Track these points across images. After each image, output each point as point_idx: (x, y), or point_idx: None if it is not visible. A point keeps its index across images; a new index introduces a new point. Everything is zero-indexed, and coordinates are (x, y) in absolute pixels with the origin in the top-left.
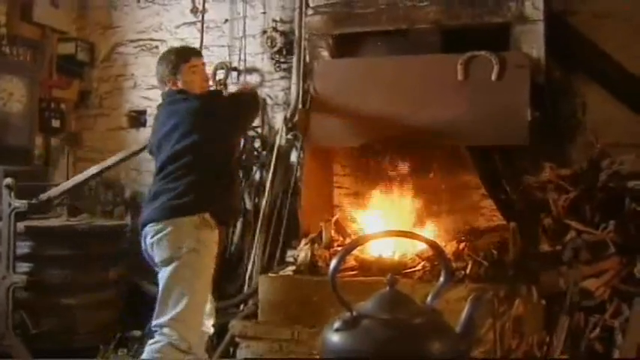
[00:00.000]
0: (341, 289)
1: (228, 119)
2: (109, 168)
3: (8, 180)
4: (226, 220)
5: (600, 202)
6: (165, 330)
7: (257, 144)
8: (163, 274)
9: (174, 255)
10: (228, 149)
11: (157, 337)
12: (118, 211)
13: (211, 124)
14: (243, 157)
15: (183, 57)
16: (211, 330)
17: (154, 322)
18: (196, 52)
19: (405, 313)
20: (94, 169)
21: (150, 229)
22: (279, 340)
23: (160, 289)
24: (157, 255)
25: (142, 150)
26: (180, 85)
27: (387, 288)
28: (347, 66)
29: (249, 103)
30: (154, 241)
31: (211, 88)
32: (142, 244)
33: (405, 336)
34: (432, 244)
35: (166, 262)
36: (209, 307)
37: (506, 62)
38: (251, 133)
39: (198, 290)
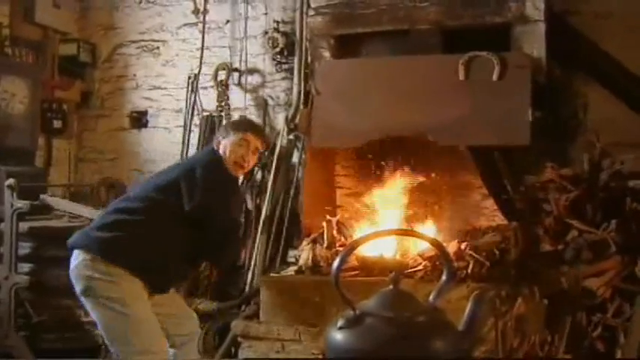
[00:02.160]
0: (343, 289)
1: (210, 209)
2: None
3: (10, 181)
4: (159, 288)
5: (601, 201)
6: None
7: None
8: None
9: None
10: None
11: None
12: None
13: (201, 189)
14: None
15: (242, 127)
16: (198, 332)
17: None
18: (259, 131)
19: (408, 311)
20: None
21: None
22: (281, 340)
23: None
24: None
25: None
26: (220, 149)
27: (391, 286)
28: (348, 67)
29: (234, 239)
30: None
31: (240, 178)
32: None
33: (409, 334)
34: (434, 243)
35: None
36: (188, 311)
37: (507, 62)
38: None
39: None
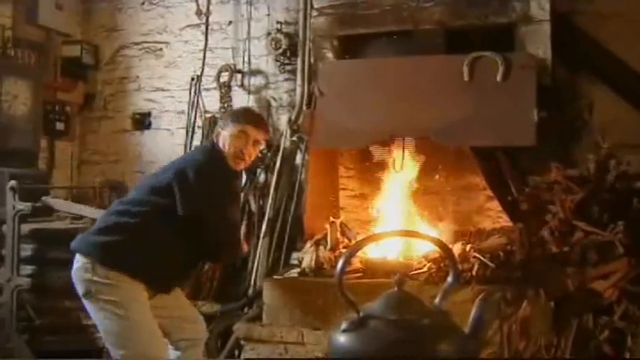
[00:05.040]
0: (347, 291)
1: (212, 216)
2: None
3: (12, 182)
4: (161, 289)
5: (608, 202)
6: None
7: (261, 146)
8: None
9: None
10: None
11: None
12: None
13: (193, 194)
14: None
15: (241, 119)
16: (206, 335)
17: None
18: (259, 123)
19: (413, 313)
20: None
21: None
22: (284, 343)
23: None
24: None
25: None
26: (220, 143)
27: (395, 288)
28: (352, 67)
29: (231, 243)
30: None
31: (242, 172)
32: None
33: (414, 337)
34: (439, 243)
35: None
36: (195, 314)
37: (511, 63)
38: None
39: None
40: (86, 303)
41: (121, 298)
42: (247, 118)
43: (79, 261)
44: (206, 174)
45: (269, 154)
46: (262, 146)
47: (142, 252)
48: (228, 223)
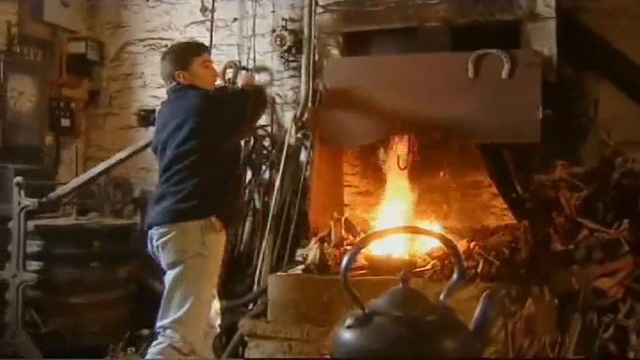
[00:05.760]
0: (352, 287)
1: (235, 116)
2: (117, 164)
3: (18, 179)
4: (232, 222)
5: (613, 200)
6: (168, 332)
7: (266, 143)
8: (169, 277)
9: (180, 258)
10: (234, 149)
11: (159, 339)
12: (127, 210)
13: (218, 122)
14: (253, 156)
15: (195, 51)
16: (218, 330)
17: (157, 324)
18: (207, 48)
19: (418, 310)
20: (101, 167)
21: (155, 231)
22: (289, 340)
23: (165, 291)
24: (163, 258)
25: (148, 145)
26: (190, 79)
27: (400, 284)
28: (357, 64)
29: (256, 97)
30: (159, 244)
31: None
32: (149, 246)
33: (419, 333)
34: (444, 240)
35: (172, 266)
36: (216, 307)
37: (517, 60)
38: (260, 132)
39: (202, 293)
40: (172, 271)
41: (220, 247)
42: (197, 48)
43: (168, 232)
44: (216, 101)
45: (274, 151)
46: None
47: (213, 195)
48: (255, 95)
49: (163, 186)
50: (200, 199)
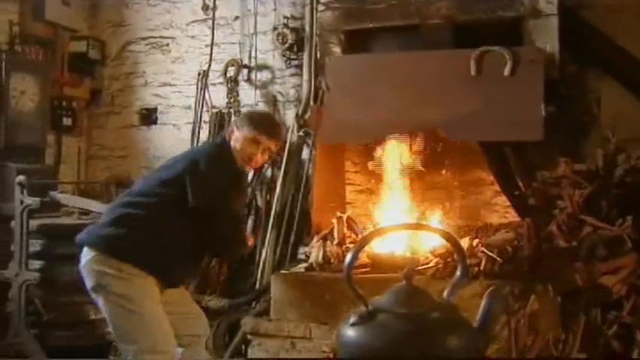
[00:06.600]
0: (355, 285)
1: (217, 207)
2: None
3: (20, 178)
4: (171, 282)
5: (616, 197)
6: None
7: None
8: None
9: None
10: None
11: None
12: None
13: (204, 191)
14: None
15: (259, 125)
16: (206, 333)
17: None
18: (274, 134)
19: (421, 307)
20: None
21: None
22: (292, 338)
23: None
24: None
25: None
26: (234, 142)
27: (403, 282)
28: (358, 62)
29: (237, 239)
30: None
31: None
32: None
33: (423, 331)
34: (448, 237)
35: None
36: (195, 310)
37: (519, 57)
38: None
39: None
40: (95, 297)
41: (133, 292)
42: (265, 127)
43: (88, 254)
44: (217, 167)
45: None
46: (271, 152)
47: (153, 245)
48: (235, 218)
49: (117, 207)
50: (135, 244)
